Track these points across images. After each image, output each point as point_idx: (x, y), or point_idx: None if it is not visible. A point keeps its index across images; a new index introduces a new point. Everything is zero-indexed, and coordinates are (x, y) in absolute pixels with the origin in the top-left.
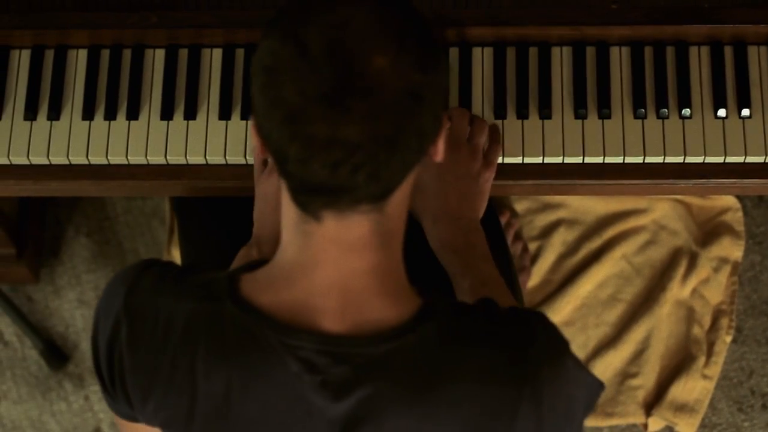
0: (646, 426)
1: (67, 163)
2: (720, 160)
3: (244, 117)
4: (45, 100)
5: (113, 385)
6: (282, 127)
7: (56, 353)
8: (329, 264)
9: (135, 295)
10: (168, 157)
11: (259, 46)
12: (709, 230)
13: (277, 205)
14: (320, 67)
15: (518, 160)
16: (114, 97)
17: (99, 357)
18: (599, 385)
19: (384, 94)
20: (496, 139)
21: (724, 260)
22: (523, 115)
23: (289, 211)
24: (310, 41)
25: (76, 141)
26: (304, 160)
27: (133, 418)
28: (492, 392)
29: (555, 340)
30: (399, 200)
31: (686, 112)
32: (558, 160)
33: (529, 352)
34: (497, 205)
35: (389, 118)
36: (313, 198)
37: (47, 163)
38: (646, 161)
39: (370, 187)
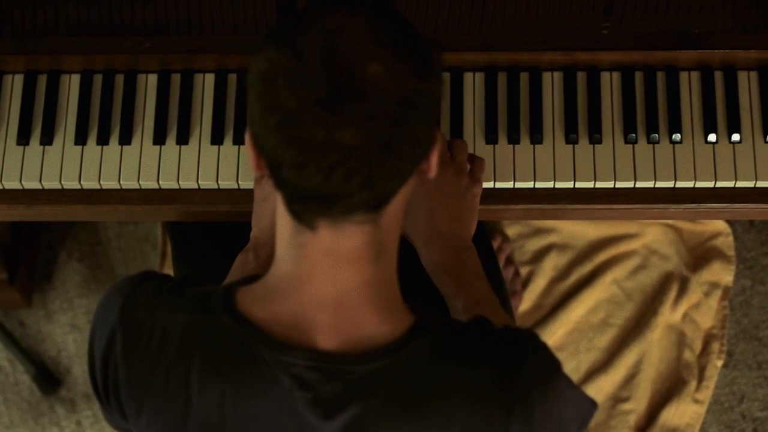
0: None
1: (60, 187)
2: (710, 184)
3: (236, 142)
4: (38, 125)
5: (108, 397)
6: (278, 133)
7: (48, 378)
8: (324, 276)
9: (131, 307)
10: (160, 182)
11: (255, 59)
12: (700, 255)
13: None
14: (316, 72)
15: (509, 184)
16: (107, 122)
17: (94, 368)
18: (592, 404)
19: (379, 100)
20: (475, 156)
21: (714, 285)
22: (514, 139)
23: (284, 223)
24: (306, 48)
25: (69, 166)
26: (299, 165)
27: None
28: (483, 411)
29: (546, 360)
30: (393, 214)
31: (677, 137)
32: (549, 184)
33: (520, 372)
34: (489, 230)
35: (384, 123)
36: (308, 206)
37: (40, 187)
38: (636, 186)
39: (364, 193)
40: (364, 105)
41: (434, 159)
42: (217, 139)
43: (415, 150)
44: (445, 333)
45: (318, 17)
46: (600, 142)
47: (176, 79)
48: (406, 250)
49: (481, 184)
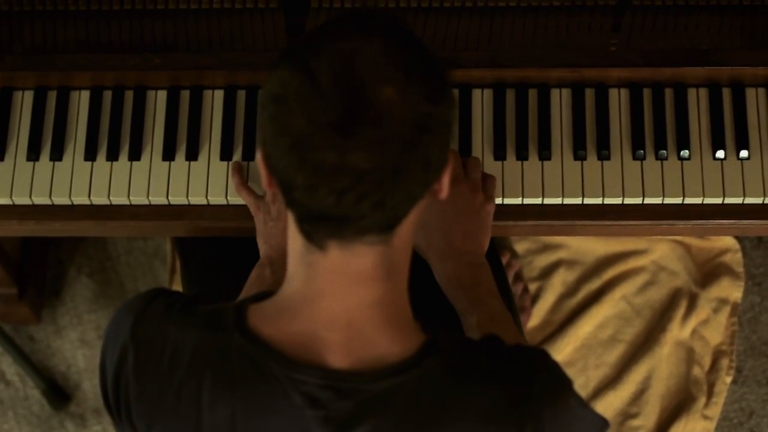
0: None
1: (70, 203)
2: (719, 201)
3: (245, 158)
4: (48, 141)
5: (119, 413)
6: (290, 155)
7: (58, 393)
8: (334, 295)
9: (142, 324)
10: (170, 198)
11: (269, 78)
12: (709, 271)
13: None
14: (329, 96)
15: (518, 201)
16: (116, 138)
17: (106, 385)
18: (603, 423)
19: (392, 124)
20: (488, 174)
21: (723, 301)
22: (522, 156)
23: (295, 241)
24: (320, 70)
25: (79, 181)
26: (310, 188)
27: None
28: (494, 431)
29: (557, 379)
30: (404, 234)
31: (685, 153)
32: (557, 201)
33: (531, 391)
34: (497, 246)
35: (396, 147)
36: (319, 227)
37: (50, 203)
38: (645, 202)
39: (375, 216)
40: (377, 129)
41: (446, 179)
42: (226, 155)
43: (427, 173)
44: (456, 351)
45: (332, 39)
46: (608, 158)
47: (185, 95)
48: (419, 266)
49: (494, 202)
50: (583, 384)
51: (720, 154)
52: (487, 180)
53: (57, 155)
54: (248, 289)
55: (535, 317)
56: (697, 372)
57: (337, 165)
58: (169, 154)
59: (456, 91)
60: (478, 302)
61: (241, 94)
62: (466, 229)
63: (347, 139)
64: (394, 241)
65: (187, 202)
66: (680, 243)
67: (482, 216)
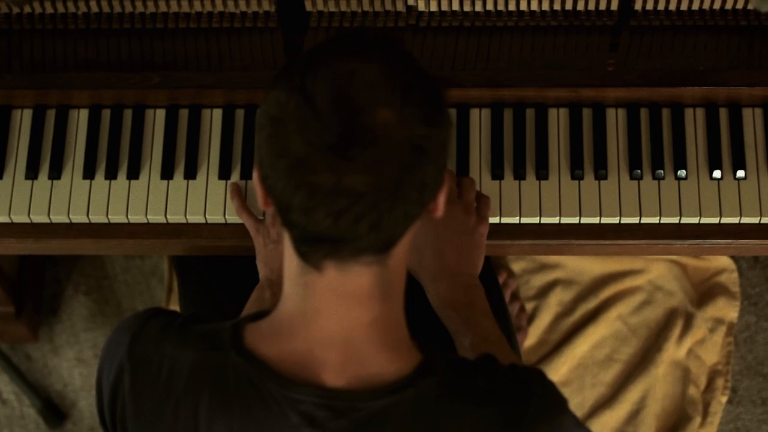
0: None
1: (68, 221)
2: (715, 221)
3: (243, 176)
4: (46, 159)
5: None
6: (287, 176)
7: (54, 411)
8: (330, 315)
9: (139, 344)
10: (168, 216)
11: (266, 98)
12: (705, 291)
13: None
14: (326, 118)
15: (515, 220)
16: (115, 157)
17: (102, 404)
18: None
19: (388, 146)
20: (482, 194)
21: (719, 321)
22: (520, 175)
23: (291, 261)
24: (317, 92)
25: (77, 200)
26: (307, 209)
27: None
28: None
29: (553, 399)
30: (400, 253)
31: (682, 173)
32: (555, 220)
33: (527, 411)
34: (494, 266)
35: (393, 169)
36: (315, 248)
37: (48, 221)
38: (642, 222)
39: (372, 237)
40: (373, 151)
41: (441, 199)
42: (224, 173)
43: (423, 194)
44: (452, 371)
45: (329, 60)
46: (605, 178)
47: (184, 114)
48: (413, 287)
49: (488, 223)
50: (579, 403)
51: (717, 174)
52: (480, 201)
53: (55, 173)
54: (247, 311)
55: (532, 337)
56: (693, 392)
57: (334, 187)
58: (167, 173)
59: (454, 111)
60: (471, 323)
61: (240, 113)
62: (459, 250)
63: (344, 161)
64: (390, 261)
65: (185, 221)
66: (676, 263)
67: (475, 237)
